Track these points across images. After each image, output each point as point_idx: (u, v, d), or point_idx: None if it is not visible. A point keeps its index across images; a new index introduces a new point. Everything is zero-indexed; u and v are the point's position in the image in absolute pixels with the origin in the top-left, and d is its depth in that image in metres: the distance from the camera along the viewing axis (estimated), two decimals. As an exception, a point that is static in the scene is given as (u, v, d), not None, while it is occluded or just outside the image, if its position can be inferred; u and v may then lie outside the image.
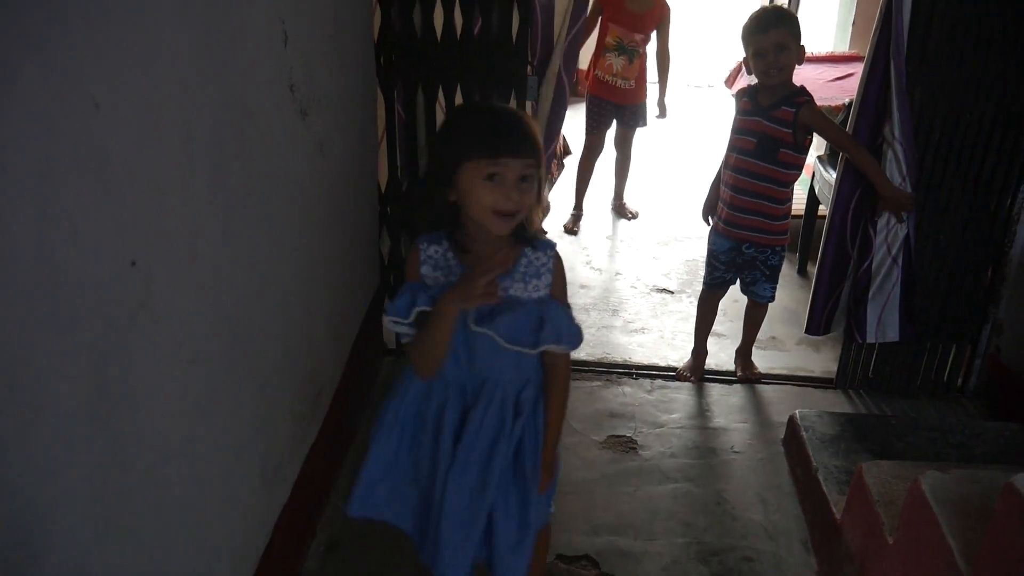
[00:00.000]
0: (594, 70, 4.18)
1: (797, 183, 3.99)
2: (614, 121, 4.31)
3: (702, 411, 2.79)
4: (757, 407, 2.83)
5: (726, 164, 2.76)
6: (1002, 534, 1.30)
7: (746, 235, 2.73)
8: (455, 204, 1.48)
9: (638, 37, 4.06)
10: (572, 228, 4.32)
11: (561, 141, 4.11)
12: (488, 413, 1.59)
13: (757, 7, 2.72)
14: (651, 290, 3.67)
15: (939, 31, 2.45)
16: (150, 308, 1.17)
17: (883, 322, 2.73)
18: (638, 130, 4.41)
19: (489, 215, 1.44)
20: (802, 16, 5.11)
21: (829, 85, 4.01)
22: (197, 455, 1.38)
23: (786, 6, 4.95)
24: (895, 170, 2.52)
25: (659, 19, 4.10)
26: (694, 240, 4.15)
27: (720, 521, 2.27)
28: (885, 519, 1.77)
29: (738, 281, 2.89)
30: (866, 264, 2.67)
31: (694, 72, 8.06)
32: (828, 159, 3.58)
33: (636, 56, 4.09)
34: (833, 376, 2.95)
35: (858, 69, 3.67)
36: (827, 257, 2.74)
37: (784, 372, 3.03)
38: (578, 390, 2.81)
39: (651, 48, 4.24)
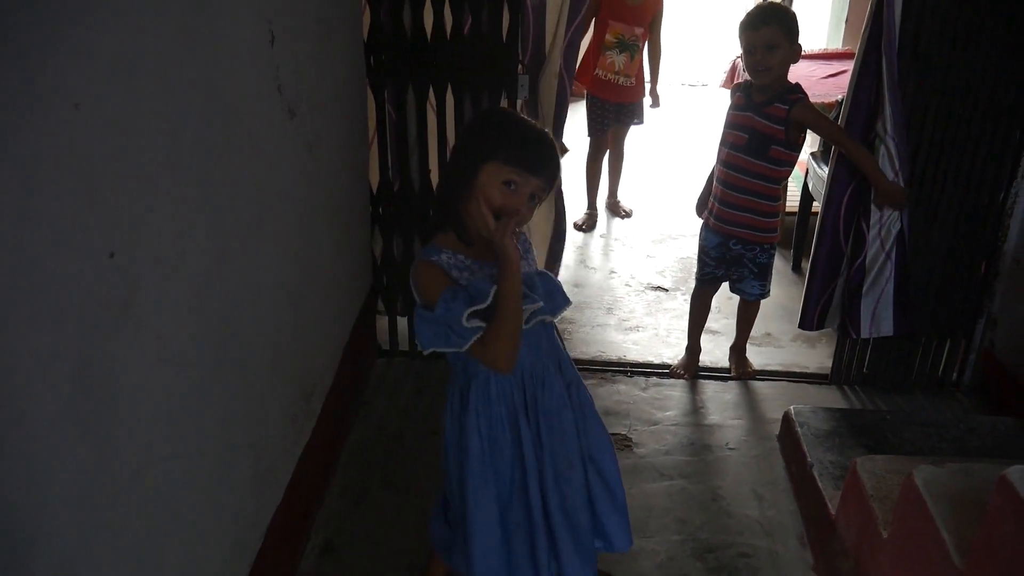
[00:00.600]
0: (594, 70, 4.13)
1: (791, 179, 4.01)
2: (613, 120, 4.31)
3: (697, 408, 2.78)
4: (752, 403, 2.83)
5: (717, 159, 2.75)
6: (996, 528, 1.30)
7: (734, 231, 2.73)
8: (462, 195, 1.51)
9: (638, 31, 4.05)
10: (582, 226, 4.34)
11: (562, 147, 4.10)
12: (549, 391, 1.61)
13: (755, 3, 2.71)
14: (645, 288, 3.66)
15: (931, 26, 2.45)
16: (135, 310, 1.16)
17: (877, 317, 2.73)
18: (634, 128, 4.41)
19: (488, 216, 1.46)
20: (796, 12, 5.12)
21: (822, 82, 4.01)
22: (186, 457, 1.37)
23: (782, 2, 4.95)
24: (888, 165, 2.52)
25: (654, 11, 4.09)
26: (688, 238, 4.14)
27: (716, 517, 2.27)
28: (879, 514, 1.77)
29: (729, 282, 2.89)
30: (860, 260, 2.67)
31: (688, 70, 8.06)
32: (822, 155, 3.58)
33: (636, 51, 4.08)
34: (828, 372, 2.95)
35: (851, 66, 3.68)
36: (821, 252, 2.73)
37: (779, 368, 3.03)
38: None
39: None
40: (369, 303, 2.81)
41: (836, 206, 2.66)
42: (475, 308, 1.45)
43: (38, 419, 0.97)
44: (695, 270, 2.97)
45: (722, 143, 2.73)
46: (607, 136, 4.34)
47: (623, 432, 2.62)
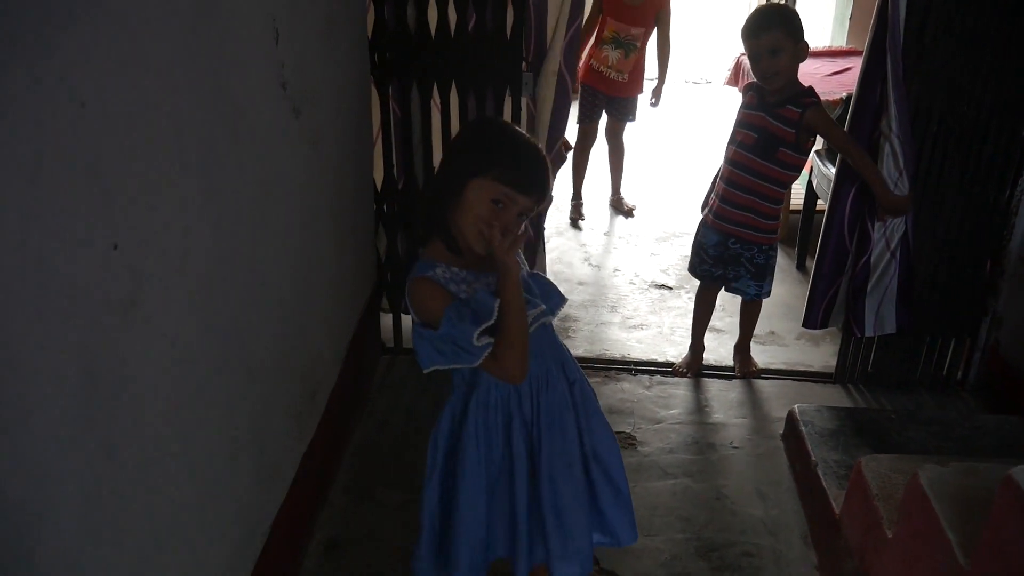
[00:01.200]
0: (591, 60, 4.18)
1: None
2: (604, 112, 4.32)
3: (701, 407, 2.78)
4: (756, 402, 2.82)
5: (725, 157, 2.74)
6: (1001, 527, 1.30)
7: (733, 230, 2.72)
8: (448, 207, 1.48)
9: (635, 31, 4.05)
10: (576, 218, 4.39)
11: (564, 143, 4.11)
12: (552, 392, 1.61)
13: (756, 4, 2.69)
14: (649, 286, 3.66)
15: (935, 23, 2.44)
16: (141, 307, 1.17)
17: (880, 316, 2.72)
18: (633, 126, 4.41)
19: (475, 232, 1.45)
20: (800, 10, 5.11)
21: (827, 79, 3.99)
22: (191, 454, 1.38)
23: (783, 2, 4.93)
24: (892, 164, 2.51)
25: (658, 10, 4.09)
26: (692, 236, 4.13)
27: (719, 516, 2.26)
28: (884, 513, 1.77)
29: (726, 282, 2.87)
30: (864, 258, 2.66)
31: (691, 68, 8.05)
32: (826, 154, 3.56)
33: (633, 50, 4.08)
34: (832, 371, 2.94)
35: (856, 63, 3.66)
36: (826, 251, 2.72)
37: (783, 367, 3.02)
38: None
39: (653, 40, 4.23)
40: (373, 300, 2.81)
41: (842, 205, 2.65)
42: (484, 326, 1.44)
43: (44, 415, 0.97)
44: (690, 261, 2.94)
45: (730, 141, 2.71)
46: (595, 126, 4.36)
47: (627, 430, 2.62)
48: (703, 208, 2.87)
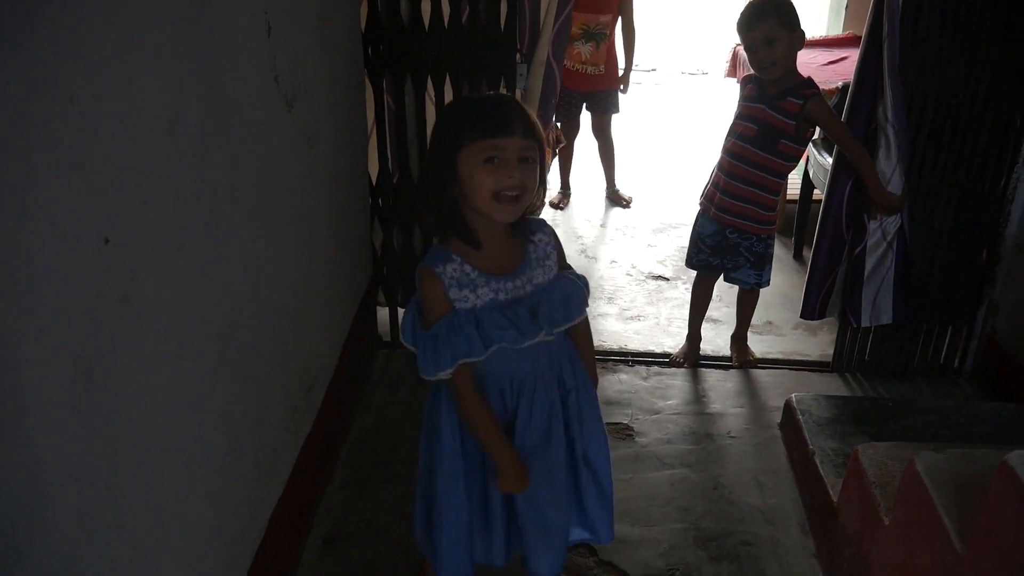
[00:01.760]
0: (564, 61, 4.14)
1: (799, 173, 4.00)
2: (585, 108, 4.31)
3: (698, 397, 2.78)
4: (753, 392, 2.83)
5: (724, 148, 2.73)
6: (997, 513, 1.30)
7: (733, 221, 2.73)
8: (455, 199, 1.46)
9: (603, 19, 4.02)
10: (558, 204, 4.42)
11: (555, 130, 4.10)
12: (535, 403, 1.60)
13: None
14: (646, 277, 3.66)
15: (931, 11, 2.44)
16: (135, 302, 1.16)
17: (877, 306, 2.72)
18: (630, 117, 4.41)
19: (491, 202, 1.41)
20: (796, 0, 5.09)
21: (823, 69, 3.99)
22: (187, 449, 1.38)
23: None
24: (884, 154, 2.51)
25: None
26: (689, 227, 4.09)
27: (717, 506, 2.27)
28: (881, 500, 1.77)
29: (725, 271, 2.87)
30: (860, 248, 2.66)
31: (688, 59, 8.04)
32: (823, 143, 3.56)
33: (603, 39, 4.06)
34: (829, 360, 2.95)
35: (852, 52, 3.66)
36: (823, 241, 2.73)
37: (780, 356, 3.02)
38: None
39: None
40: (370, 294, 2.81)
41: (839, 195, 2.65)
42: (465, 361, 1.47)
43: (37, 412, 0.97)
44: (687, 253, 2.94)
45: (730, 133, 2.71)
46: (575, 122, 4.36)
47: (625, 421, 2.62)
48: (701, 198, 2.86)
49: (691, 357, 2.97)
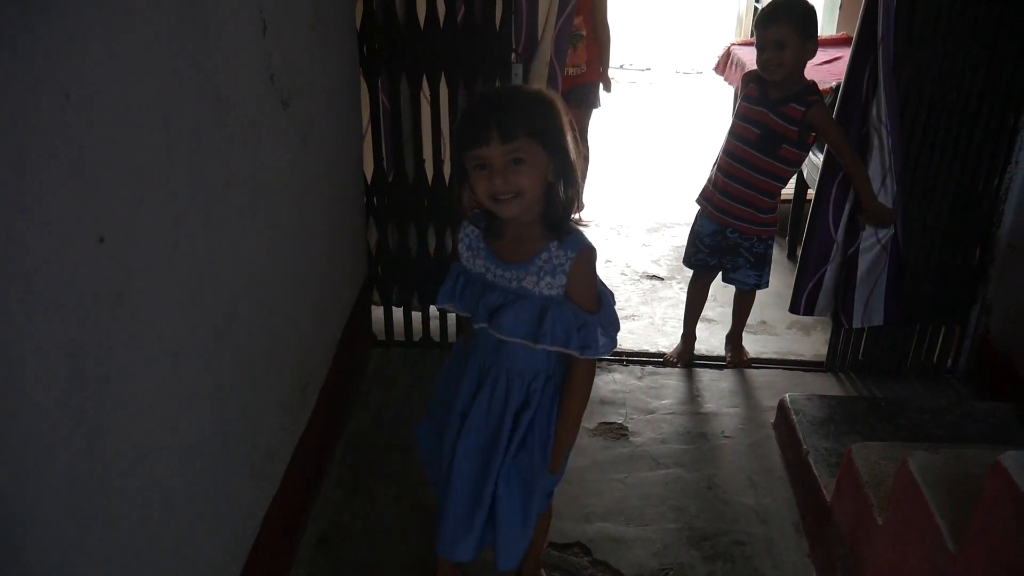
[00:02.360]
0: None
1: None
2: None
3: (693, 397, 2.79)
4: (747, 392, 2.83)
5: (724, 149, 2.72)
6: (990, 513, 1.31)
7: (732, 222, 2.72)
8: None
9: (577, 21, 4.00)
10: None
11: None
12: (493, 400, 1.62)
13: None
14: (641, 277, 3.66)
15: (925, 10, 2.45)
16: (129, 300, 1.16)
17: (869, 307, 2.74)
18: (627, 117, 4.39)
19: (490, 202, 1.46)
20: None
21: (817, 69, 3.99)
22: (181, 448, 1.37)
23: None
24: (879, 158, 2.52)
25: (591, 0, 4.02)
26: (683, 227, 4.11)
27: (711, 506, 2.27)
28: (875, 500, 1.78)
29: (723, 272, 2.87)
30: (853, 249, 2.68)
31: (682, 58, 8.05)
32: (817, 144, 3.56)
33: (580, 40, 4.03)
34: (823, 359, 2.95)
35: (846, 53, 3.66)
36: (812, 239, 2.75)
37: (774, 356, 3.03)
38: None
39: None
40: (365, 293, 2.81)
41: (827, 194, 2.67)
42: (449, 308, 1.62)
43: (31, 411, 0.96)
44: (684, 253, 2.93)
45: (730, 134, 2.69)
46: None
47: (619, 421, 2.62)
48: (699, 197, 2.85)
49: (684, 357, 2.97)
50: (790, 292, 2.90)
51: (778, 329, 3.23)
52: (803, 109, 2.50)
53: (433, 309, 2.96)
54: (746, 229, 2.71)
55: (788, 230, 3.90)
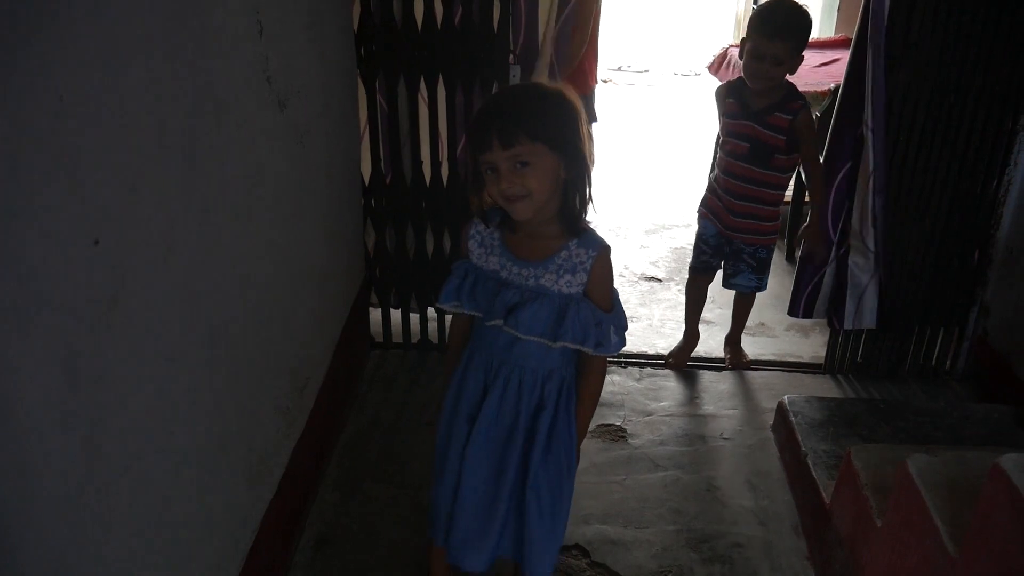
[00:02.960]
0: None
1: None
2: None
3: (691, 398, 2.78)
4: (746, 393, 2.83)
5: (720, 168, 2.71)
6: (989, 515, 1.30)
7: (738, 236, 2.72)
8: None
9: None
10: None
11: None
12: (505, 399, 1.61)
13: None
14: (639, 278, 3.66)
15: (922, 13, 2.44)
16: (124, 304, 1.15)
17: (861, 310, 2.75)
18: (624, 117, 4.39)
19: (503, 202, 1.47)
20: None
21: (815, 71, 4.00)
22: (177, 452, 1.37)
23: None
24: (872, 159, 2.52)
25: None
26: (681, 228, 4.14)
27: (710, 508, 2.27)
28: (874, 502, 1.77)
29: (720, 275, 2.87)
30: (843, 250, 2.69)
31: (680, 60, 8.06)
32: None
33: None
34: (822, 361, 2.95)
35: (844, 55, 3.66)
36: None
37: (773, 358, 3.03)
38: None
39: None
40: (362, 295, 2.80)
41: (825, 196, 2.67)
42: (453, 307, 1.60)
43: (25, 414, 0.96)
44: (690, 260, 2.93)
45: (721, 149, 2.69)
46: None
47: (618, 423, 2.62)
48: (701, 208, 2.84)
49: (685, 355, 2.96)
50: (789, 294, 2.90)
51: (777, 331, 3.23)
52: (789, 117, 2.49)
53: (431, 311, 2.96)
54: (752, 240, 2.71)
55: (787, 232, 3.90)
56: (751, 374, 2.94)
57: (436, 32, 2.54)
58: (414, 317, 2.98)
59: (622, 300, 3.45)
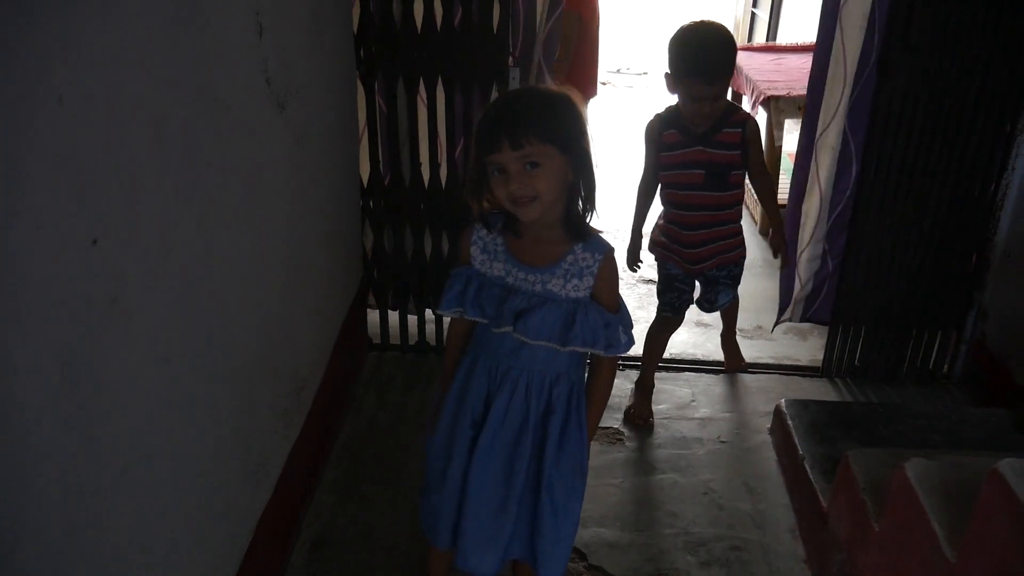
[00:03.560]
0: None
1: (783, 171, 4.01)
2: None
3: (688, 401, 2.78)
4: (743, 396, 2.83)
5: (669, 203, 2.52)
6: (987, 520, 1.30)
7: (702, 267, 2.54)
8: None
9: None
10: None
11: None
12: (512, 403, 1.61)
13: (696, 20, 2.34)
14: (637, 281, 3.66)
15: (921, 15, 2.45)
16: (122, 305, 1.15)
17: (818, 306, 2.86)
18: (618, 122, 4.38)
19: (510, 204, 1.46)
20: (787, 5, 5.10)
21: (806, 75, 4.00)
22: (174, 453, 1.36)
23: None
24: (838, 161, 2.62)
25: None
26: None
27: (707, 511, 2.27)
28: (871, 506, 1.77)
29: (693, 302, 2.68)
30: (803, 251, 2.78)
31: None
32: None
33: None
34: (819, 364, 2.95)
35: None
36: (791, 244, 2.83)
37: (770, 361, 3.03)
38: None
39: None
40: (360, 297, 2.80)
41: (797, 198, 2.76)
42: (454, 314, 1.60)
43: (23, 415, 0.96)
44: (658, 303, 2.68)
45: (669, 187, 2.47)
46: None
47: (615, 426, 2.62)
48: (657, 250, 2.66)
49: (646, 408, 2.68)
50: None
51: (774, 334, 3.22)
52: (739, 130, 2.33)
53: (429, 313, 2.96)
54: (723, 261, 2.54)
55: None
56: (748, 377, 2.94)
57: (435, 33, 2.54)
58: (412, 319, 2.97)
59: (621, 302, 3.45)
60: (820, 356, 2.96)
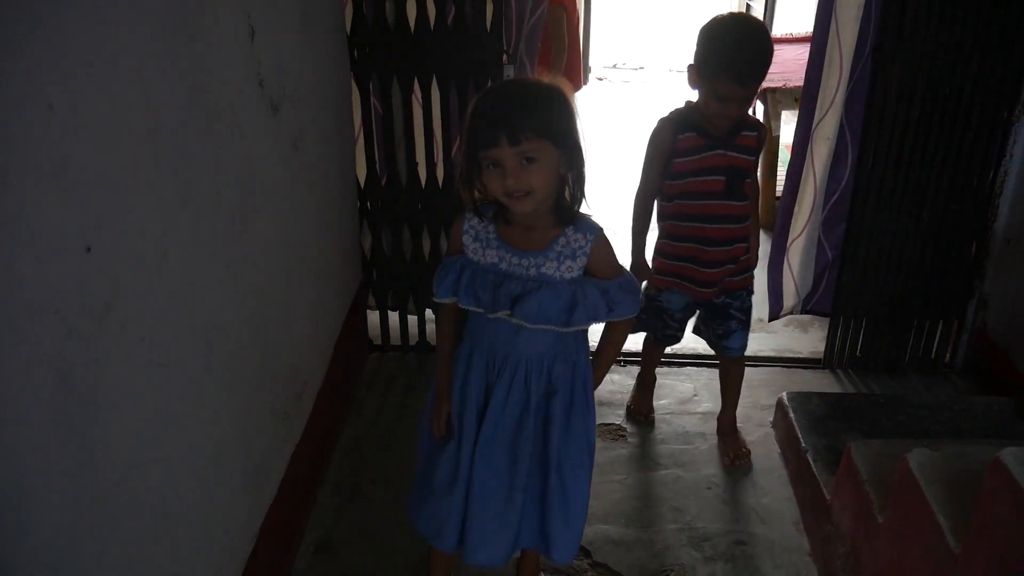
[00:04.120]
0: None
1: (780, 163, 4.01)
2: None
3: (691, 396, 2.78)
4: (745, 390, 2.79)
5: (684, 217, 2.28)
6: (991, 509, 1.30)
7: (715, 291, 2.32)
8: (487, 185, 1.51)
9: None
10: None
11: None
12: (512, 390, 1.61)
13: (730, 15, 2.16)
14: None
15: (916, 5, 2.44)
16: (118, 311, 1.15)
17: (819, 298, 2.85)
18: (620, 117, 4.37)
19: (504, 198, 1.47)
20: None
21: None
22: (174, 459, 1.36)
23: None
24: (824, 165, 2.61)
25: None
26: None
27: (711, 506, 2.26)
28: (875, 498, 1.77)
29: (700, 332, 2.50)
30: (793, 240, 2.78)
31: (675, 57, 8.05)
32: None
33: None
34: (821, 356, 2.95)
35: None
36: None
37: (772, 354, 3.02)
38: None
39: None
40: (359, 298, 2.79)
41: (792, 189, 2.75)
42: (449, 302, 1.60)
43: (19, 425, 0.95)
44: (647, 334, 2.54)
45: (686, 196, 2.24)
46: None
47: (618, 422, 2.61)
48: (659, 275, 2.43)
49: (645, 403, 2.65)
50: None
51: (775, 327, 3.22)
52: (755, 134, 2.18)
53: (429, 313, 2.95)
54: (735, 285, 2.33)
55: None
56: (750, 370, 2.92)
57: (429, 33, 2.54)
58: (412, 319, 2.97)
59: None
60: (821, 348, 2.95)
